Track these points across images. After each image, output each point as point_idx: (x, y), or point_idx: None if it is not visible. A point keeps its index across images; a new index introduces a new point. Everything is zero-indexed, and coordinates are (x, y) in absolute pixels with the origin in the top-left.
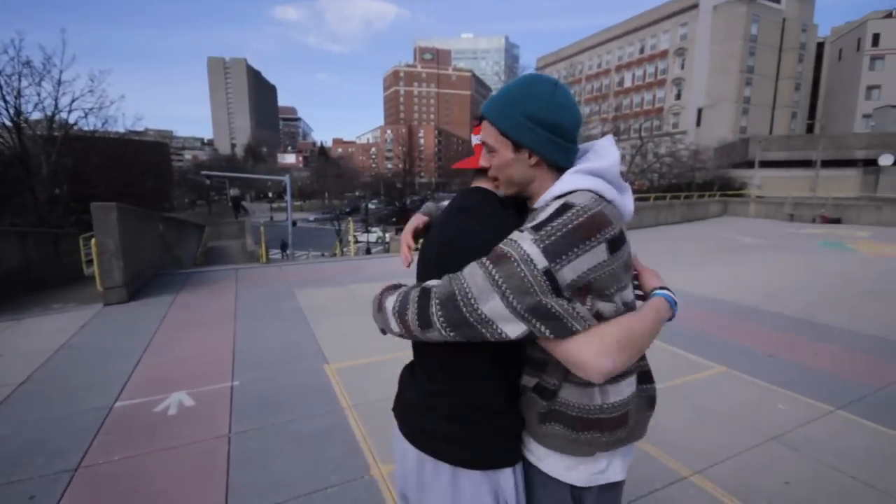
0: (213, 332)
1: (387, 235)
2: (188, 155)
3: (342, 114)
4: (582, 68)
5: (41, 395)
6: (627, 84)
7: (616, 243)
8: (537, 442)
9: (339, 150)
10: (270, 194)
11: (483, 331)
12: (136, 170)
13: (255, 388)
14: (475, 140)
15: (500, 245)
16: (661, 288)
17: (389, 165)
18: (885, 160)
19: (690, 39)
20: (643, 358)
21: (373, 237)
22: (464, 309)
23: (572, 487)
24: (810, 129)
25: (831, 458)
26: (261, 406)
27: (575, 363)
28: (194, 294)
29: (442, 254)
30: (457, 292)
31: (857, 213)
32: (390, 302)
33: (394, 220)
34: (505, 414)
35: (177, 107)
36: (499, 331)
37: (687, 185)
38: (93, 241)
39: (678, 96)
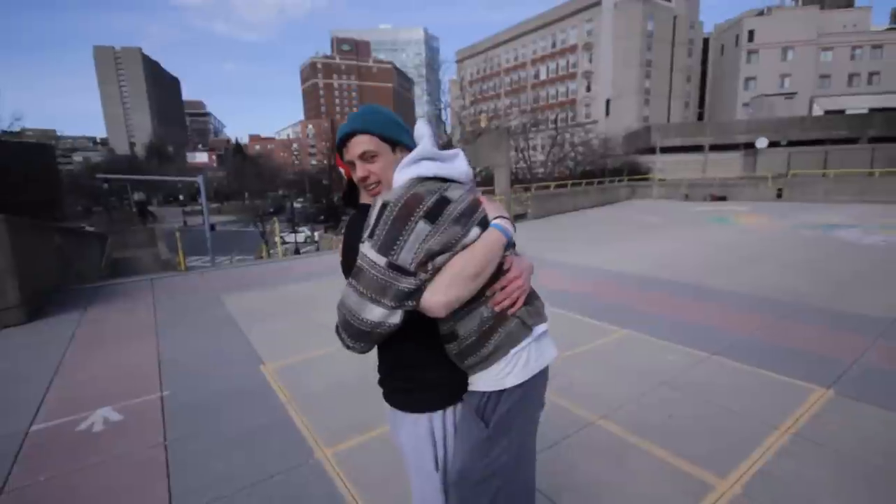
0: (133, 347)
1: (316, 234)
2: (78, 157)
3: (257, 108)
4: (500, 61)
5: None
6: (543, 77)
7: (434, 212)
8: (470, 376)
9: (258, 146)
10: (181, 197)
11: (377, 331)
12: (16, 177)
13: (187, 396)
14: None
15: (357, 261)
16: (497, 218)
17: (314, 162)
18: (760, 143)
19: (596, 35)
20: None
21: (301, 237)
22: (355, 324)
23: (481, 394)
24: (700, 116)
25: (706, 394)
26: (196, 412)
27: (426, 310)
28: (106, 309)
29: (346, 248)
30: (346, 316)
31: (739, 191)
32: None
33: (321, 217)
34: (425, 369)
35: (59, 102)
36: (385, 325)
37: (601, 172)
38: None
39: (588, 88)
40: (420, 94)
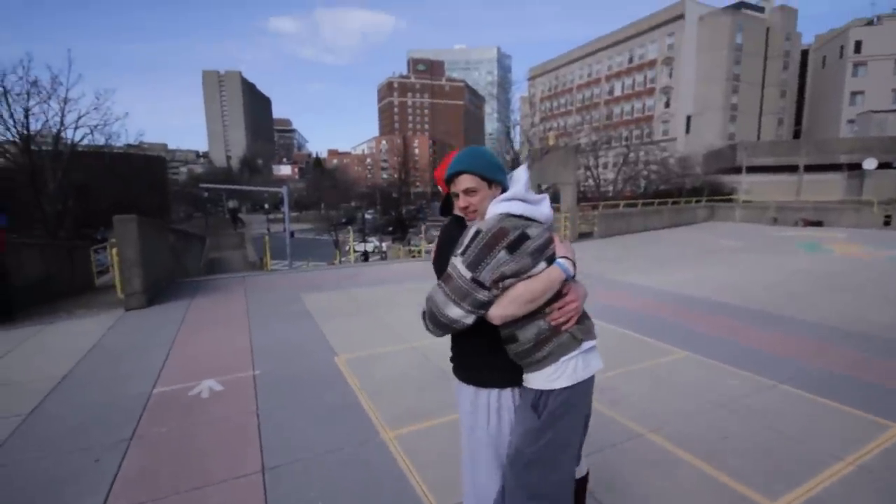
0: (231, 331)
1: (384, 245)
2: (184, 168)
3: (337, 125)
4: (573, 78)
5: (85, 384)
6: (617, 93)
7: (515, 245)
8: (525, 373)
9: (335, 160)
10: (266, 206)
11: (453, 326)
12: (139, 184)
13: (274, 375)
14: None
15: (448, 269)
16: (562, 257)
17: (385, 176)
18: (868, 164)
19: (677, 49)
20: (583, 322)
21: (370, 247)
22: (438, 317)
23: (536, 391)
24: (797, 134)
25: (767, 420)
26: (282, 389)
27: (489, 318)
28: (208, 299)
29: (439, 248)
30: (432, 308)
31: (838, 216)
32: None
33: (390, 229)
34: (486, 356)
35: (170, 118)
36: (461, 323)
37: (678, 192)
38: (113, 250)
39: (667, 104)
40: (490, 111)
